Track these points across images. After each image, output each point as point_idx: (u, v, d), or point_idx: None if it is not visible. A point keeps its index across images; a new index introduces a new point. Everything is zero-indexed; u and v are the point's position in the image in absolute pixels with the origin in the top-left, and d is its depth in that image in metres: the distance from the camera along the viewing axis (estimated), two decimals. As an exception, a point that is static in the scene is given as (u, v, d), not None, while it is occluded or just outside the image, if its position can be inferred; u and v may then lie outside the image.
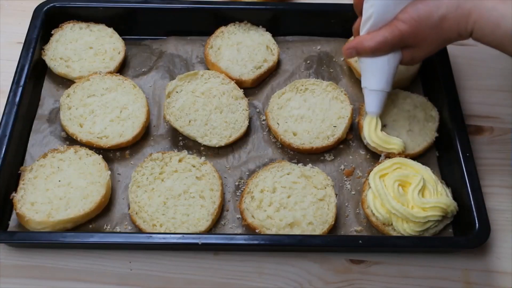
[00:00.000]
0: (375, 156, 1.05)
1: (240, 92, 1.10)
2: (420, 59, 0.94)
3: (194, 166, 1.00)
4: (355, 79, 1.17)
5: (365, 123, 1.03)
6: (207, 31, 1.18)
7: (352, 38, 1.05)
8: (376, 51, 0.91)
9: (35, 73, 1.09)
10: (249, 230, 0.95)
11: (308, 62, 1.19)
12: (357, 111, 1.09)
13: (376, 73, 0.94)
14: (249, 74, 1.13)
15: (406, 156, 1.01)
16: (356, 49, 0.93)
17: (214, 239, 0.90)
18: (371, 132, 1.02)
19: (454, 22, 0.84)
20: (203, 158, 1.01)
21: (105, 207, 0.97)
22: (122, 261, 0.94)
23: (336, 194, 0.99)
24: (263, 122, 1.10)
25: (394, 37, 0.88)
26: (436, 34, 0.86)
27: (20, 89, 1.03)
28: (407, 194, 0.95)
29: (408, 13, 0.87)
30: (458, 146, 1.00)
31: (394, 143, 1.01)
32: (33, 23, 1.12)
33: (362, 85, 0.98)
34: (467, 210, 0.94)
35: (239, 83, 1.11)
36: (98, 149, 1.02)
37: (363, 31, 0.93)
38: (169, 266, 0.94)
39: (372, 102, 0.98)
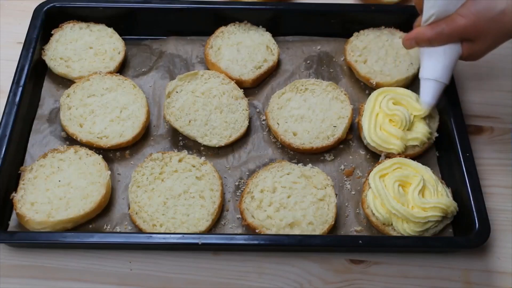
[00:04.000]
0: (375, 156, 1.05)
1: (240, 92, 1.10)
2: (481, 54, 0.94)
3: (194, 166, 1.00)
4: (355, 79, 1.17)
5: (365, 122, 1.03)
6: (207, 31, 1.18)
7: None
8: (433, 41, 0.93)
9: (35, 73, 1.09)
10: (249, 230, 0.95)
11: (308, 62, 1.19)
12: (357, 111, 1.09)
13: (432, 63, 0.96)
14: (249, 74, 1.13)
15: (406, 156, 1.01)
16: (415, 39, 0.95)
17: (214, 239, 0.90)
18: (371, 132, 1.03)
19: None
20: (203, 158, 1.01)
21: (105, 207, 0.97)
22: (122, 261, 0.94)
23: (336, 194, 0.98)
24: (263, 122, 1.10)
25: (452, 29, 0.90)
26: (496, 28, 0.87)
27: (20, 89, 1.03)
28: (407, 194, 0.95)
29: (467, 8, 0.88)
30: (458, 146, 1.00)
31: (393, 143, 1.01)
32: (33, 23, 1.12)
33: (423, 75, 0.98)
34: (467, 210, 0.94)
35: (239, 83, 1.11)
36: (98, 149, 1.02)
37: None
38: (169, 266, 0.94)
39: (427, 92, 0.98)
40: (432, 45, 0.94)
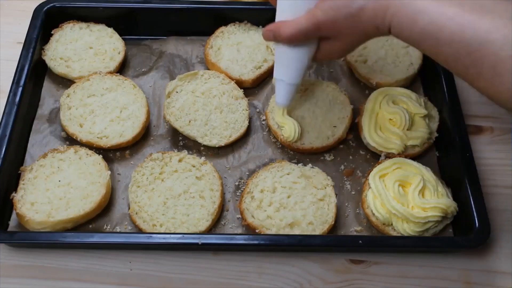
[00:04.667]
0: (375, 156, 1.05)
1: (240, 92, 1.10)
2: (338, 54, 0.89)
3: (194, 166, 1.00)
4: (355, 79, 1.17)
5: (365, 122, 1.04)
6: (207, 31, 1.18)
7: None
8: (292, 40, 0.86)
9: (35, 73, 1.09)
10: (249, 230, 0.95)
11: (308, 62, 1.19)
12: (357, 111, 1.09)
13: (291, 66, 0.90)
14: (249, 74, 1.13)
15: (406, 156, 1.01)
16: (274, 33, 0.87)
17: (214, 239, 0.90)
18: (371, 132, 1.03)
19: (372, 14, 0.78)
20: (203, 158, 1.01)
21: (105, 207, 0.97)
22: (122, 261, 0.94)
23: (336, 194, 0.98)
24: (263, 122, 1.10)
25: (310, 25, 0.83)
26: (354, 26, 0.81)
27: (20, 89, 1.03)
28: (407, 195, 0.95)
29: (326, 2, 0.82)
30: (458, 146, 1.00)
31: (393, 143, 1.01)
32: (33, 23, 1.12)
33: (275, 75, 0.93)
34: (467, 210, 0.94)
35: (239, 83, 1.11)
36: (98, 149, 1.02)
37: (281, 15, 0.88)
38: (169, 266, 0.94)
39: (285, 94, 0.94)
40: (291, 43, 0.87)
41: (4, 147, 0.96)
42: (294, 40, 0.86)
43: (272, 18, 1.18)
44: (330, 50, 0.88)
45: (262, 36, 0.91)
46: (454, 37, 0.73)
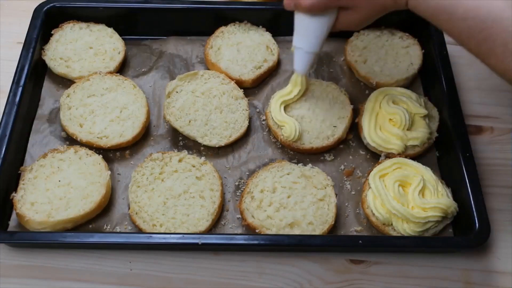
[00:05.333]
0: (375, 156, 1.05)
1: (240, 92, 1.10)
2: (357, 25, 0.91)
3: (194, 166, 1.00)
4: (355, 79, 1.17)
5: (365, 122, 1.04)
6: (207, 31, 1.18)
7: None
8: (312, 9, 0.88)
9: (35, 73, 1.09)
10: (249, 230, 0.95)
11: (308, 62, 1.19)
12: (357, 111, 1.09)
13: (311, 35, 0.93)
14: (249, 74, 1.13)
15: (406, 156, 1.01)
16: (295, 2, 0.90)
17: (214, 239, 0.90)
18: (371, 132, 1.03)
19: None
20: (203, 158, 1.01)
21: (105, 207, 0.97)
22: (122, 261, 0.94)
23: (336, 194, 0.98)
24: (263, 122, 1.10)
25: None
26: None
27: (20, 89, 1.03)
28: (407, 195, 0.95)
29: None
30: (458, 146, 1.00)
31: (393, 143, 1.01)
32: (33, 23, 1.12)
33: (295, 43, 0.96)
34: (467, 210, 0.94)
35: (239, 83, 1.11)
36: (98, 149, 1.02)
37: None
38: (169, 266, 0.94)
39: (303, 63, 0.97)
40: (311, 13, 0.90)
41: (4, 147, 0.96)
42: (314, 9, 0.88)
43: (271, 18, 1.19)
44: (349, 21, 0.90)
45: (284, 5, 0.93)
46: (468, 13, 0.74)
